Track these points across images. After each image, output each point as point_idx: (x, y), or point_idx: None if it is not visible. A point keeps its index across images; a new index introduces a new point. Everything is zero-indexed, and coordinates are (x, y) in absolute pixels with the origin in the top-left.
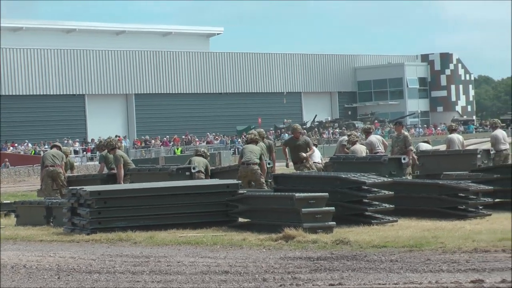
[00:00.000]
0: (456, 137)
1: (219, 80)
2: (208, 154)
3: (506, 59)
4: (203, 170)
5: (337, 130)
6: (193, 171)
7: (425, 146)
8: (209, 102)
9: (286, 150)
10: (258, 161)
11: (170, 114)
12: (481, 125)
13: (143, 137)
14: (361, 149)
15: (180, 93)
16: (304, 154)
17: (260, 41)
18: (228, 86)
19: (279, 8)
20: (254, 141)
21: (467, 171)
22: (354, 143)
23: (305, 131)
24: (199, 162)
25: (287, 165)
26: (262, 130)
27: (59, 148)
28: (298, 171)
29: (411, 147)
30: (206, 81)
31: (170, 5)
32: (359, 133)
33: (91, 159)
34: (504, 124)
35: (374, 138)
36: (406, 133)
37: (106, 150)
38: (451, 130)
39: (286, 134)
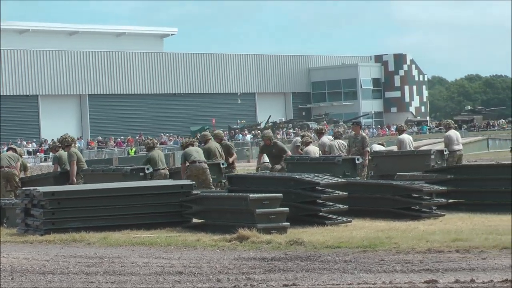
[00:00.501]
0: (407, 137)
1: (173, 80)
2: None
3: (459, 60)
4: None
5: (291, 130)
6: (147, 171)
7: (378, 147)
8: (163, 102)
9: (262, 157)
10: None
11: (124, 115)
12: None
13: (97, 138)
14: (314, 150)
15: (134, 93)
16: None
17: (214, 42)
18: (182, 86)
19: (233, 9)
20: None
21: (421, 172)
22: (307, 144)
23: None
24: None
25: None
26: (220, 131)
27: (14, 150)
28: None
29: (368, 149)
30: (160, 81)
31: (123, 5)
32: (312, 134)
33: (45, 159)
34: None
35: (327, 139)
36: (364, 133)
37: (59, 151)
38: (401, 131)
39: (241, 135)
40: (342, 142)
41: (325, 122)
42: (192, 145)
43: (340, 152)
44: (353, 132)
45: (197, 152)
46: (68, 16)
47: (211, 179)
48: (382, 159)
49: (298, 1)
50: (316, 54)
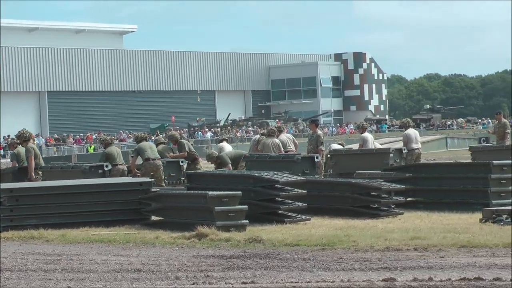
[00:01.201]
0: (370, 136)
1: (132, 78)
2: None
3: (418, 59)
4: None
5: (251, 128)
6: (106, 169)
7: (337, 147)
8: (122, 99)
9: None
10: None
11: (83, 112)
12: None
13: (56, 135)
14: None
15: (94, 90)
16: None
17: (173, 40)
18: (142, 84)
19: (193, 7)
20: (145, 139)
21: (380, 170)
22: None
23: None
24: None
25: None
26: (175, 132)
27: None
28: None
29: (322, 147)
30: (119, 78)
31: (83, 2)
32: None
33: (3, 156)
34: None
35: (285, 137)
36: (319, 132)
37: (17, 148)
38: (363, 129)
39: (200, 133)
40: (291, 137)
41: (277, 120)
42: (146, 140)
43: (290, 146)
44: (311, 131)
45: (150, 149)
46: (28, 13)
47: (163, 176)
48: (341, 158)
49: (258, 0)
50: (276, 52)
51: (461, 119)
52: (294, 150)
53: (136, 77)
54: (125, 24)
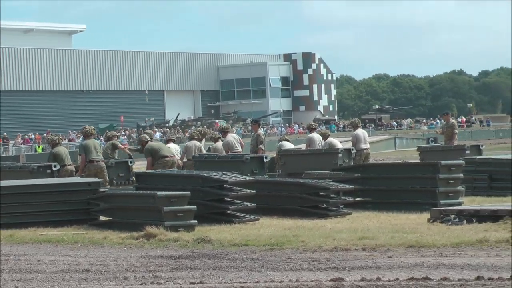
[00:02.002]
0: (317, 136)
1: (81, 77)
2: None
3: (367, 59)
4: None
5: (200, 128)
6: (54, 169)
7: (287, 145)
8: (71, 99)
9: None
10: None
11: (32, 112)
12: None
13: (5, 133)
14: (222, 147)
15: (42, 90)
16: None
17: (122, 39)
18: (91, 83)
19: (142, 6)
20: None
21: (329, 170)
22: (216, 140)
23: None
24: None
25: None
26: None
27: None
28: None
29: (262, 146)
30: (68, 78)
31: (31, 1)
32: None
33: None
34: (363, 124)
35: (232, 137)
36: (259, 131)
37: None
38: (311, 129)
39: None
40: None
41: (216, 121)
42: (93, 135)
43: (237, 147)
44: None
45: (95, 149)
46: None
47: (107, 177)
48: (290, 158)
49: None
50: (225, 52)
51: (410, 119)
52: (241, 150)
53: (85, 77)
54: (74, 23)
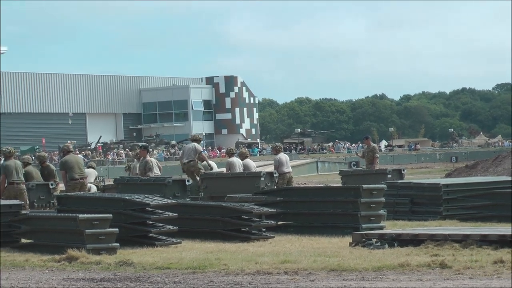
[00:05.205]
0: (237, 160)
1: (2, 99)
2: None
3: (288, 83)
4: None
5: (122, 151)
6: None
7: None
8: None
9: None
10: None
11: None
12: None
13: None
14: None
15: None
16: None
17: (42, 61)
18: (12, 105)
19: (63, 29)
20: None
21: (251, 194)
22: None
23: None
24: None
25: None
26: (43, 153)
27: None
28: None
29: (150, 173)
30: None
31: None
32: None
33: None
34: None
35: (152, 161)
36: (148, 158)
37: None
38: (231, 154)
39: None
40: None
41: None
42: (13, 156)
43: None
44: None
45: (16, 170)
46: None
47: (27, 200)
48: (212, 181)
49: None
50: (147, 75)
51: (331, 143)
52: (159, 174)
53: (6, 99)
54: None
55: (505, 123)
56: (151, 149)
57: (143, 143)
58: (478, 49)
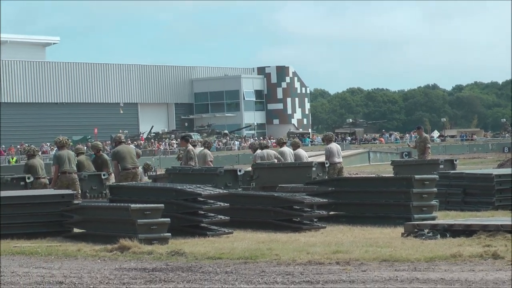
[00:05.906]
0: (288, 150)
1: (55, 90)
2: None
3: (340, 73)
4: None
5: (174, 141)
6: (28, 181)
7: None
8: (45, 111)
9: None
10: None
11: (6, 124)
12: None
13: None
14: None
15: (16, 102)
16: None
17: (96, 52)
18: (65, 96)
19: (115, 19)
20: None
21: (302, 184)
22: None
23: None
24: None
25: None
26: (98, 142)
27: None
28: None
29: (191, 162)
30: (42, 90)
31: (5, 13)
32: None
33: None
34: (337, 138)
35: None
36: (189, 147)
37: None
38: (282, 144)
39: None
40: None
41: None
42: (67, 146)
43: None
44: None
45: (68, 160)
46: None
47: (80, 190)
48: (264, 171)
49: (182, 13)
50: (199, 65)
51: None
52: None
53: (59, 89)
54: (48, 36)
55: None
56: (193, 139)
57: (183, 133)
58: None
